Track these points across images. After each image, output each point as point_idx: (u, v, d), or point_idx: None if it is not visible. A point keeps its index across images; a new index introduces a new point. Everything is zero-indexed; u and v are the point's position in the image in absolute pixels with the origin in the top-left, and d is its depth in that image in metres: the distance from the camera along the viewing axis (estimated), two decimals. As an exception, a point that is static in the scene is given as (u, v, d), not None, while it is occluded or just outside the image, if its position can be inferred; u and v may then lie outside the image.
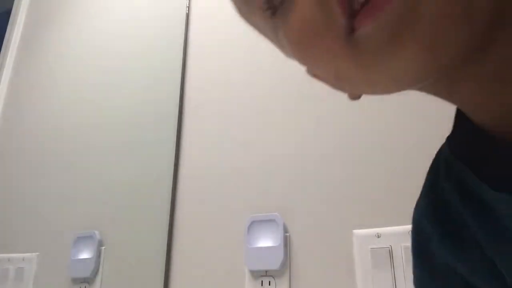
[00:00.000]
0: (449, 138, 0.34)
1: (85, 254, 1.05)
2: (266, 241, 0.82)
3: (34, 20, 1.59)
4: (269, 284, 0.80)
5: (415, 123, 0.77)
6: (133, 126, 1.14)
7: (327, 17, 0.25)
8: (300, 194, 0.84)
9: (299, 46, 0.28)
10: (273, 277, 0.80)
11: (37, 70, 1.46)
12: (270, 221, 0.83)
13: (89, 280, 1.02)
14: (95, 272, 1.02)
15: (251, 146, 0.94)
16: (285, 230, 0.82)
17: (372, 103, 0.84)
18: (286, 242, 0.81)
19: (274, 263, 0.79)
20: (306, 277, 0.78)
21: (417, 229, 0.37)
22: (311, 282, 0.77)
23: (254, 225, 0.84)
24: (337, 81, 0.29)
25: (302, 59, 0.30)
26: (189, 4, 1.18)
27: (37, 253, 1.14)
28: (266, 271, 0.81)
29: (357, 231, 0.75)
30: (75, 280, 1.05)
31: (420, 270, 0.37)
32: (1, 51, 1.52)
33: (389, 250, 0.70)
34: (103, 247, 1.04)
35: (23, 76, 1.49)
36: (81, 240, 1.07)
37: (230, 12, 1.21)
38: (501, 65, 0.26)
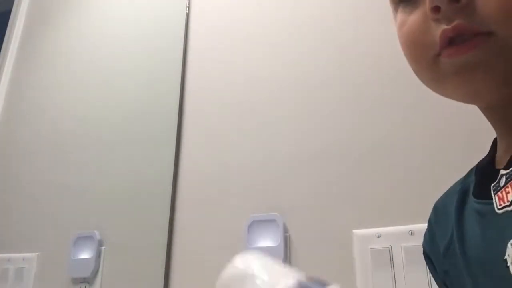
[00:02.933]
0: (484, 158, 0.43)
1: (85, 254, 1.05)
2: (266, 241, 0.82)
3: (34, 20, 1.59)
4: (269, 284, 0.79)
5: (416, 124, 0.77)
6: (133, 126, 1.14)
7: (426, 36, 0.35)
8: (300, 194, 0.84)
9: (403, 47, 0.38)
10: (273, 277, 0.80)
11: (37, 70, 1.46)
12: (270, 221, 0.83)
13: (89, 280, 1.02)
14: (95, 272, 1.02)
15: (251, 146, 0.94)
16: (285, 230, 0.82)
17: (372, 104, 0.84)
18: (286, 242, 0.81)
19: (274, 263, 0.79)
20: (306, 277, 0.78)
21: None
22: (311, 282, 0.77)
23: (254, 225, 0.84)
24: (427, 84, 0.39)
25: (406, 56, 0.39)
26: (189, 4, 1.18)
27: (37, 253, 1.14)
28: (266, 271, 0.81)
29: (357, 231, 0.75)
30: (75, 280, 1.05)
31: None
32: (1, 51, 1.52)
33: (389, 250, 0.70)
34: (103, 247, 1.04)
35: (23, 75, 1.49)
36: (81, 240, 1.07)
37: (230, 12, 1.21)
38: None
